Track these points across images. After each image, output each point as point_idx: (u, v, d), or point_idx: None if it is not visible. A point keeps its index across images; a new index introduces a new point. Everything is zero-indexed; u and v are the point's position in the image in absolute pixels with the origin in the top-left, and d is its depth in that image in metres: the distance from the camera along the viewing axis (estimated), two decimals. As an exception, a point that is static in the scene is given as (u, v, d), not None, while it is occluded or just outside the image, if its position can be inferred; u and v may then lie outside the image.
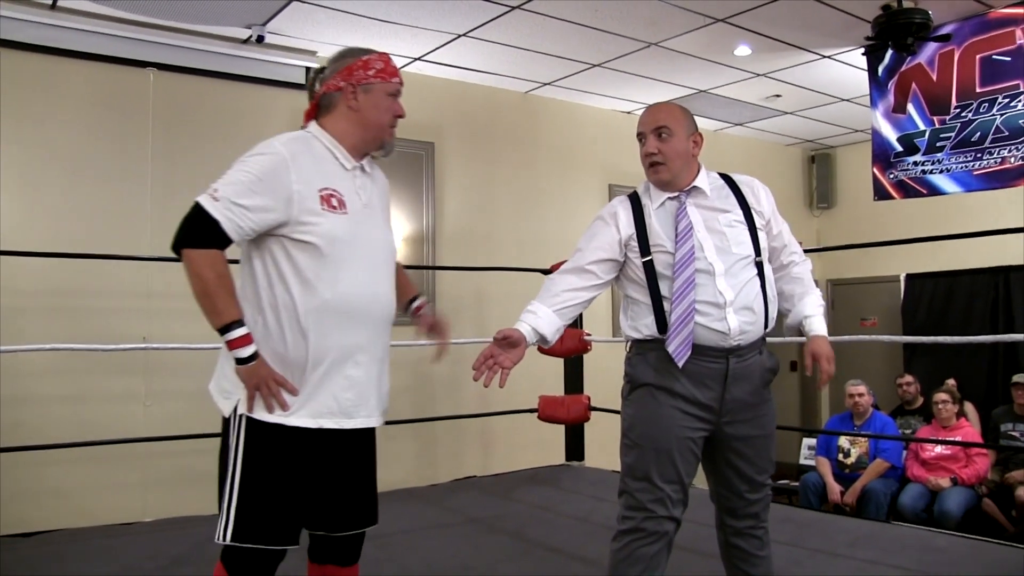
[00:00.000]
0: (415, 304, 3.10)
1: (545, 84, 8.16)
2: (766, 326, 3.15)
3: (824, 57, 7.37)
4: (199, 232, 2.50)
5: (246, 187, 2.51)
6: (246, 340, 2.51)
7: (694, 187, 3.13)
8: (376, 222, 2.79)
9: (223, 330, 2.51)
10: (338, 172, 2.69)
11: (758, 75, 7.89)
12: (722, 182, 3.21)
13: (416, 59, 7.28)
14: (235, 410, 2.58)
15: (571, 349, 6.14)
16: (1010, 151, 6.20)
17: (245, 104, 6.74)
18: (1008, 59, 6.19)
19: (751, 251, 3.09)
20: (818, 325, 3.26)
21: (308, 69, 6.89)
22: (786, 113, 9.23)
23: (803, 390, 11.13)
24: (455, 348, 7.00)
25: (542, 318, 3.04)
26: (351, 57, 2.78)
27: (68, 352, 5.35)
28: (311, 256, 2.58)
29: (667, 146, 3.09)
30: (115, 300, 6.07)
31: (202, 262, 2.50)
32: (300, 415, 2.57)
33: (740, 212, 3.13)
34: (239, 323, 2.51)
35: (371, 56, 2.79)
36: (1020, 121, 6.14)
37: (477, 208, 8.00)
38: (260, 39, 6.52)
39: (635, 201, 3.18)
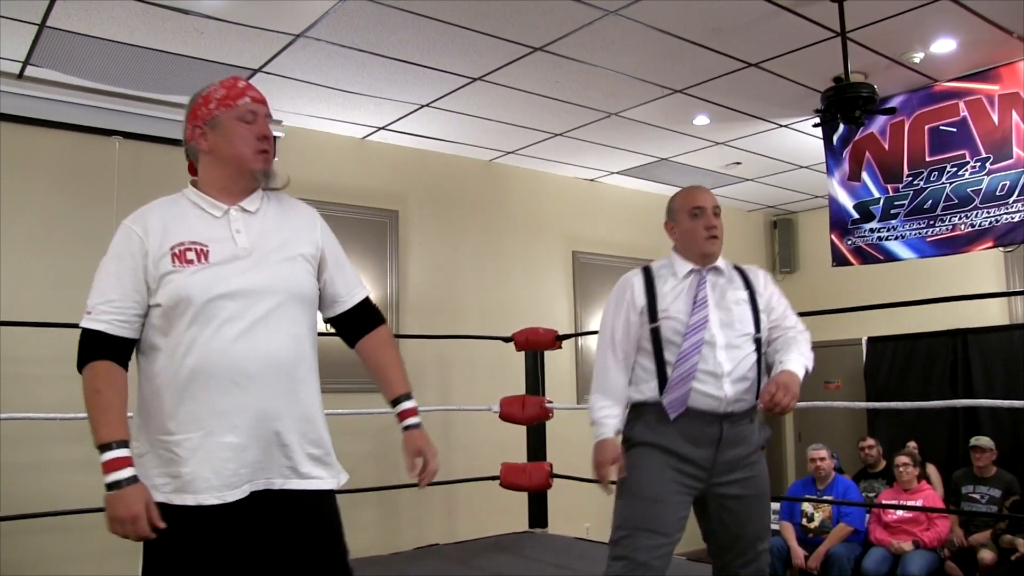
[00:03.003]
0: (401, 408, 2.78)
1: (508, 152, 8.26)
2: (756, 396, 3.33)
3: (781, 126, 7.52)
4: (84, 349, 2.37)
5: (107, 282, 2.38)
6: (116, 464, 2.22)
7: (715, 266, 3.45)
8: (265, 263, 2.44)
9: (99, 451, 2.25)
10: (205, 222, 2.44)
11: (717, 143, 8.03)
12: (732, 266, 3.52)
13: (380, 128, 7.36)
14: None
15: (533, 416, 6.16)
16: (960, 218, 6.35)
17: (210, 173, 6.75)
18: (954, 130, 6.38)
19: (752, 328, 3.36)
20: (790, 362, 3.28)
21: (274, 138, 6.94)
22: (747, 180, 9.37)
23: (768, 454, 11.12)
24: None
25: (618, 417, 3.40)
26: (194, 98, 2.57)
27: (33, 421, 5.32)
28: (167, 319, 2.34)
29: (720, 224, 3.46)
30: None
31: (85, 381, 2.34)
32: (183, 493, 2.30)
33: (746, 293, 3.41)
34: (109, 446, 2.24)
35: (211, 87, 2.55)
36: (968, 189, 6.30)
37: (441, 275, 8.03)
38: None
39: (647, 273, 3.51)
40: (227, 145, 2.48)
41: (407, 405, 2.78)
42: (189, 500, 2.28)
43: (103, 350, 2.34)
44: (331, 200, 7.18)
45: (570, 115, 7.17)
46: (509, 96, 6.68)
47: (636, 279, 3.49)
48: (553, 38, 5.64)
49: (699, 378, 3.22)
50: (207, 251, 2.37)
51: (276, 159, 2.62)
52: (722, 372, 3.23)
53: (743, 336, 3.32)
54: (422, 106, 6.87)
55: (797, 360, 3.29)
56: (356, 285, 2.75)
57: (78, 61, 5.78)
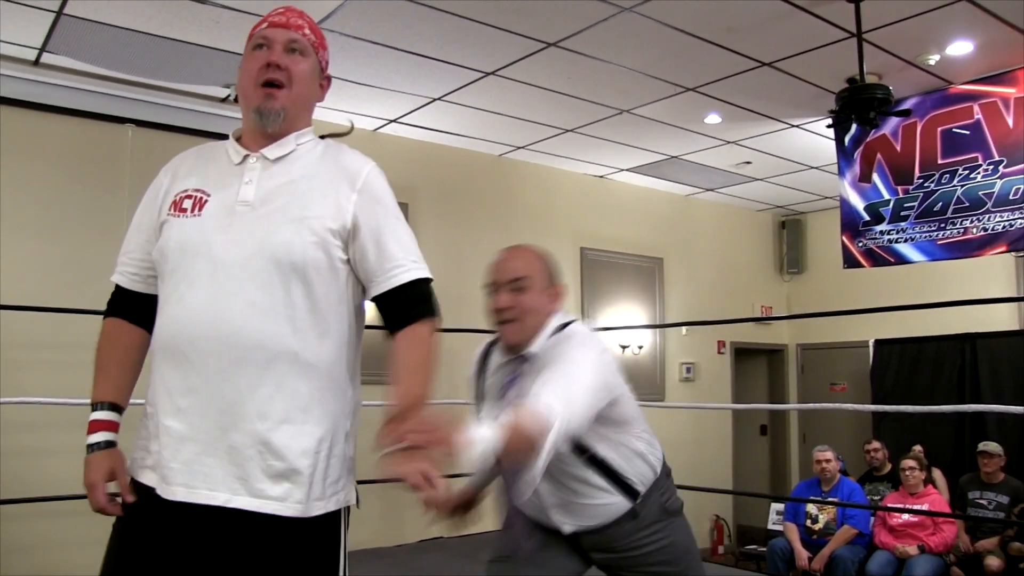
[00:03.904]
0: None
1: (519, 148, 8.26)
2: (634, 498, 2.74)
3: (792, 126, 7.50)
4: (108, 304, 2.21)
5: (130, 233, 2.19)
6: (92, 427, 2.07)
7: (524, 354, 2.72)
8: (260, 221, 2.01)
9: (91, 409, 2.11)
10: (222, 168, 2.11)
11: (728, 142, 8.02)
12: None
13: (391, 121, 7.37)
14: None
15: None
16: (971, 222, 6.33)
17: (221, 162, 6.75)
18: (967, 132, 6.36)
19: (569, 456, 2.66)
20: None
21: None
22: (756, 179, 9.35)
23: (773, 455, 11.15)
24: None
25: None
26: None
27: (38, 406, 5.33)
28: (160, 274, 2.09)
29: (522, 303, 2.72)
30: (88, 353, 6.03)
31: (101, 333, 2.19)
32: (146, 470, 2.05)
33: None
34: (93, 406, 2.10)
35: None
36: (979, 193, 6.29)
37: (450, 269, 8.01)
38: (237, 98, 6.57)
39: (487, 348, 2.94)
40: (241, 80, 2.14)
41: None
42: (146, 479, 2.02)
43: (117, 306, 2.18)
44: (341, 192, 7.20)
45: (582, 111, 7.17)
46: (521, 91, 6.67)
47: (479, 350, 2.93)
48: (567, 34, 5.64)
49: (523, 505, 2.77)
50: (205, 200, 2.04)
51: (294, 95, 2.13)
52: (543, 504, 2.77)
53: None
54: (434, 99, 6.87)
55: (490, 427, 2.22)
56: (396, 264, 2.15)
57: (93, 49, 5.79)
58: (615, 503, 2.71)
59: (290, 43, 2.10)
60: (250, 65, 2.09)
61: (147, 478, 2.02)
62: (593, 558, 2.84)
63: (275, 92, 2.07)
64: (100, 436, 2.07)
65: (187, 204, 2.05)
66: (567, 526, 2.75)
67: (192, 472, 1.93)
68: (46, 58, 5.93)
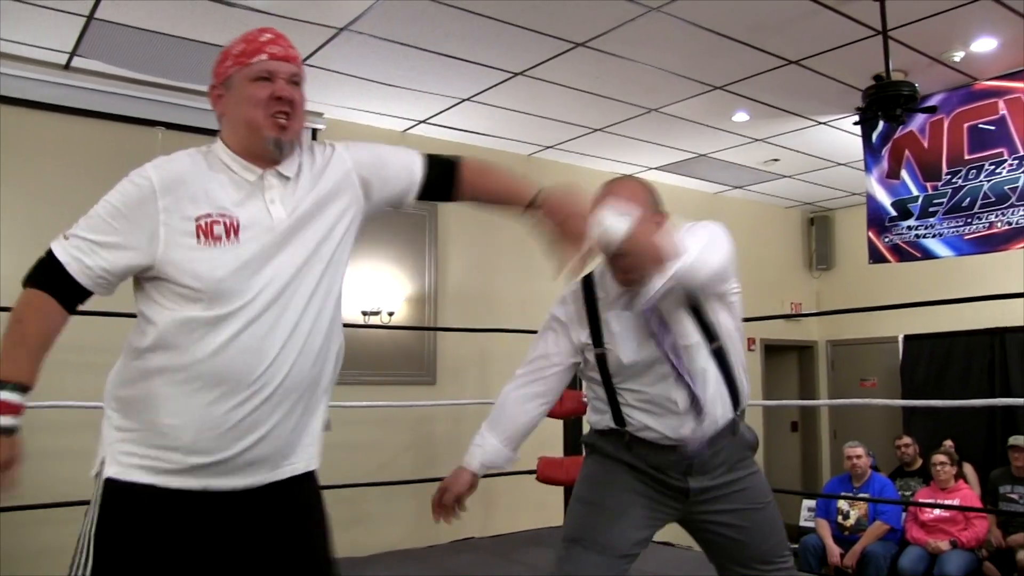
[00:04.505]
0: (543, 195, 2.48)
1: (547, 147, 8.30)
2: (736, 407, 2.84)
3: (820, 123, 7.50)
4: (39, 273, 2.07)
5: (102, 220, 2.07)
6: (9, 408, 2.00)
7: None
8: (300, 237, 2.16)
9: None
10: (235, 187, 2.14)
11: (756, 140, 8.02)
12: None
13: (421, 122, 7.42)
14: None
15: (570, 411, 6.17)
16: (997, 216, 6.33)
17: (252, 164, 6.80)
18: (993, 128, 6.35)
19: (698, 336, 2.76)
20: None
21: (314, 130, 7.02)
22: (785, 177, 9.35)
23: (804, 451, 11.14)
24: (457, 409, 7.11)
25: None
26: (218, 55, 2.27)
27: (52, 409, 5.38)
28: (180, 304, 2.07)
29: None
30: (102, 356, 6.09)
31: (20, 301, 2.05)
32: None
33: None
34: (10, 386, 1.99)
35: (232, 44, 2.26)
36: (1005, 187, 6.29)
37: (479, 269, 8.07)
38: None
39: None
40: (237, 107, 2.17)
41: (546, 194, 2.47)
42: (165, 482, 2.11)
43: (52, 284, 2.05)
44: (371, 193, 7.26)
45: (610, 110, 7.19)
46: (550, 91, 6.71)
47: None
48: (595, 34, 5.67)
49: (649, 410, 2.79)
50: (236, 224, 2.08)
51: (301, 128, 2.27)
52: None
53: (691, 348, 2.76)
54: (463, 100, 6.92)
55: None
56: (409, 163, 2.40)
57: (123, 52, 5.87)
58: (725, 406, 2.78)
59: (292, 76, 2.23)
60: (256, 94, 2.15)
61: (169, 481, 2.07)
62: (692, 487, 2.79)
63: (287, 124, 2.17)
64: (15, 420, 2.02)
65: (218, 231, 2.07)
66: (686, 428, 2.74)
67: (252, 465, 2.10)
68: (76, 62, 6.02)
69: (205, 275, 2.04)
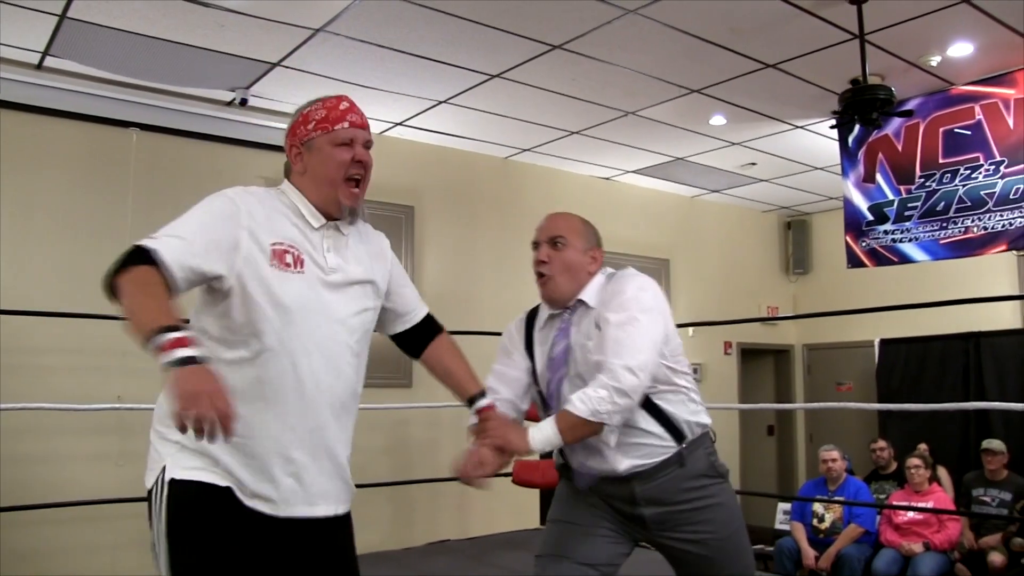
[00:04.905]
0: (478, 406, 2.74)
1: (524, 150, 8.28)
2: (680, 441, 2.85)
3: (797, 127, 7.52)
4: (129, 259, 2.09)
5: (190, 225, 2.22)
6: (182, 342, 1.93)
7: (579, 301, 2.91)
8: (345, 292, 2.41)
9: (152, 337, 1.92)
10: (301, 228, 2.37)
11: (733, 144, 8.04)
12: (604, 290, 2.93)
13: (397, 124, 7.39)
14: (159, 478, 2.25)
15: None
16: (973, 221, 6.36)
17: (226, 165, 6.79)
18: (969, 133, 6.39)
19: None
20: (539, 426, 2.69)
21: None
22: (762, 180, 9.37)
23: (780, 455, 11.17)
24: (433, 412, 7.09)
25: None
26: (296, 115, 2.48)
27: (40, 411, 5.34)
28: (252, 317, 2.24)
29: (559, 258, 2.93)
30: (90, 358, 6.07)
31: (125, 279, 2.06)
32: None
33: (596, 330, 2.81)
34: (174, 327, 1.95)
35: (313, 107, 2.45)
36: (982, 192, 6.32)
37: (456, 272, 8.05)
38: (243, 102, 6.61)
39: (531, 312, 3.10)
40: (321, 167, 2.41)
41: (484, 402, 2.75)
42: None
43: (151, 264, 2.10)
44: (347, 195, 7.23)
45: (587, 113, 7.19)
46: (527, 93, 6.70)
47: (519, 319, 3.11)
48: (572, 36, 5.66)
49: (582, 447, 2.82)
50: (302, 259, 2.33)
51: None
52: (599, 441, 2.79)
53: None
54: (440, 102, 6.90)
55: (546, 425, 2.65)
56: (419, 302, 2.77)
57: (97, 52, 5.82)
58: (664, 444, 2.82)
59: (367, 142, 2.48)
60: (339, 157, 2.39)
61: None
62: (646, 515, 2.87)
63: (359, 190, 2.46)
64: (195, 351, 1.94)
65: (289, 259, 2.30)
66: (622, 465, 2.81)
67: (311, 493, 2.33)
68: (49, 62, 5.97)
69: (276, 293, 2.27)
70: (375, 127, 7.38)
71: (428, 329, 2.79)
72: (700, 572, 2.92)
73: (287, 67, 6.10)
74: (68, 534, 5.85)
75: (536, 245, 2.99)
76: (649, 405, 2.80)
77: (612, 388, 2.59)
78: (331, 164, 2.40)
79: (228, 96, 6.64)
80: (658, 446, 2.81)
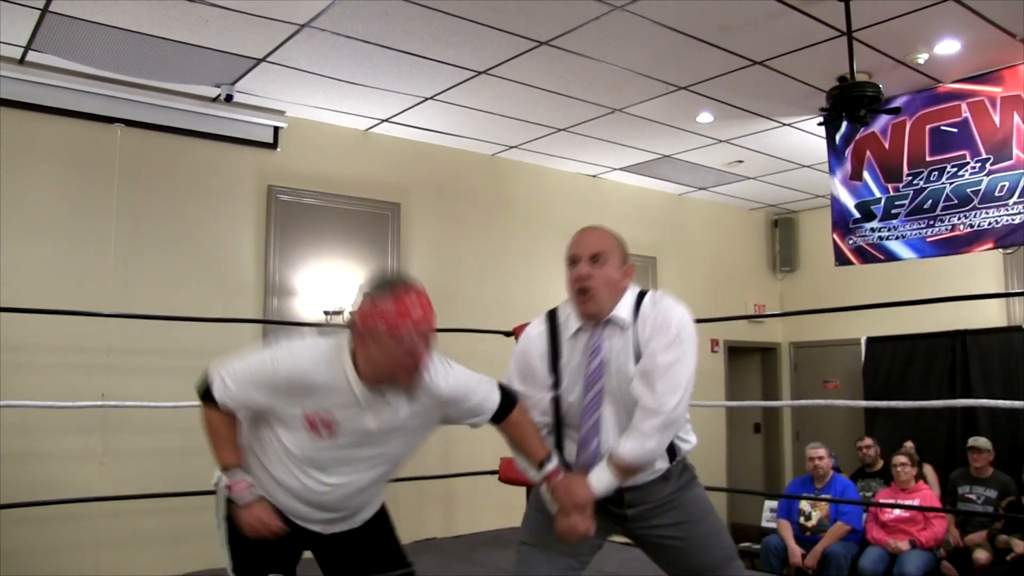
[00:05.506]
0: (546, 471, 2.87)
1: (511, 147, 8.26)
2: (673, 458, 2.96)
3: (784, 125, 7.52)
4: (202, 391, 2.81)
5: (240, 376, 2.76)
6: (239, 486, 2.78)
7: (610, 319, 2.93)
8: (382, 445, 2.83)
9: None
10: (345, 399, 2.70)
11: (720, 141, 8.03)
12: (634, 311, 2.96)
13: (383, 120, 7.36)
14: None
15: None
16: (959, 218, 6.37)
17: (211, 162, 6.75)
18: (955, 130, 6.41)
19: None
20: (597, 470, 2.85)
21: (276, 128, 6.95)
22: (749, 178, 9.37)
23: (766, 452, 11.17)
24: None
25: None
26: (365, 296, 2.69)
27: (23, 409, 5.31)
28: (287, 440, 2.79)
29: (601, 274, 2.91)
30: (74, 356, 6.03)
31: (204, 415, 2.82)
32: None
33: (632, 352, 2.90)
34: (229, 469, 2.81)
35: (386, 304, 2.62)
36: (968, 190, 6.33)
37: (442, 269, 8.02)
38: (229, 98, 6.56)
39: (551, 319, 3.08)
40: (383, 357, 2.63)
41: (550, 467, 2.88)
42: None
43: (213, 401, 2.79)
44: (333, 191, 7.20)
45: (574, 110, 7.17)
46: (513, 90, 6.67)
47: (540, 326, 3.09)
48: (559, 32, 5.64)
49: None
50: (337, 429, 2.74)
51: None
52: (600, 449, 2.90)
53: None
54: (426, 99, 6.87)
55: (604, 474, 2.82)
56: (486, 401, 2.92)
57: (80, 47, 5.77)
58: (662, 463, 2.94)
59: (424, 338, 2.72)
60: (400, 359, 2.65)
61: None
62: (628, 514, 2.97)
63: (417, 378, 2.74)
64: (246, 496, 2.79)
65: (320, 426, 2.73)
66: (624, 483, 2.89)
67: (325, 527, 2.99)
68: (32, 56, 5.92)
69: (302, 447, 2.78)
70: (361, 124, 7.38)
71: (501, 413, 2.94)
72: (678, 559, 3.01)
73: (272, 63, 6.06)
74: (51, 532, 5.80)
75: (575, 261, 2.96)
76: None
77: (661, 426, 2.77)
78: (390, 362, 2.66)
79: (213, 92, 6.60)
80: (657, 467, 2.94)
